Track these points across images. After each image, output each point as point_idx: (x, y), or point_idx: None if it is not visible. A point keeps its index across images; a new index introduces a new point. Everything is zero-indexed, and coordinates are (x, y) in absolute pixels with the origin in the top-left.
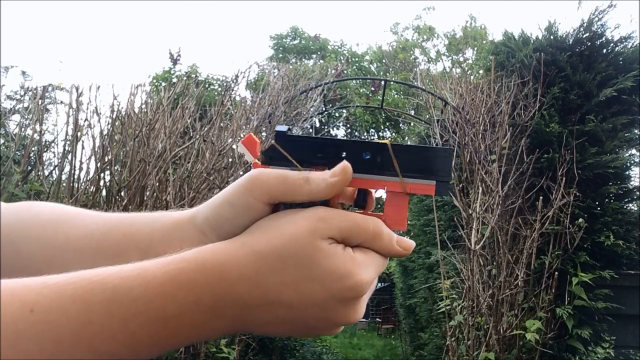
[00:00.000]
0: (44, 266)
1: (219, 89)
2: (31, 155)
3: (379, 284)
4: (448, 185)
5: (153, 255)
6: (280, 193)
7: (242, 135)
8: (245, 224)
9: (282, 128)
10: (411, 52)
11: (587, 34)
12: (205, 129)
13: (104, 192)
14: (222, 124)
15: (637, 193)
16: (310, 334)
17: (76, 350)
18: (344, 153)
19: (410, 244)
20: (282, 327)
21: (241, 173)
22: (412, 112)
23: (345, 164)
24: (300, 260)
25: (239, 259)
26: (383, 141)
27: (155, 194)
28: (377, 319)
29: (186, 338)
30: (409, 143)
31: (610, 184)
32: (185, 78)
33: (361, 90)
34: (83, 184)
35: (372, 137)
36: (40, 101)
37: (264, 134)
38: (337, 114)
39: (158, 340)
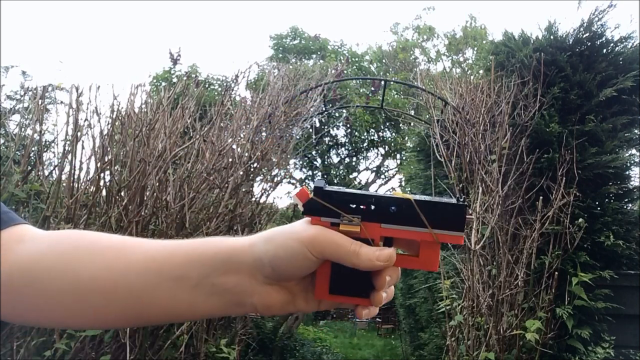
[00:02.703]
0: (109, 288)
1: (219, 89)
2: (31, 155)
3: None
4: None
5: (214, 279)
6: (331, 256)
7: (241, 136)
8: (300, 266)
9: (320, 183)
10: (411, 52)
11: (587, 34)
12: (205, 129)
13: (104, 192)
14: (222, 124)
15: (637, 193)
16: None
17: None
18: (373, 206)
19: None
20: None
21: (241, 173)
22: (412, 112)
23: (392, 253)
24: None
25: None
26: (407, 196)
27: (155, 194)
28: (377, 319)
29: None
30: (425, 198)
31: (610, 184)
32: (185, 78)
33: (361, 90)
34: (83, 184)
35: (372, 137)
36: (40, 101)
37: (263, 134)
38: (337, 114)
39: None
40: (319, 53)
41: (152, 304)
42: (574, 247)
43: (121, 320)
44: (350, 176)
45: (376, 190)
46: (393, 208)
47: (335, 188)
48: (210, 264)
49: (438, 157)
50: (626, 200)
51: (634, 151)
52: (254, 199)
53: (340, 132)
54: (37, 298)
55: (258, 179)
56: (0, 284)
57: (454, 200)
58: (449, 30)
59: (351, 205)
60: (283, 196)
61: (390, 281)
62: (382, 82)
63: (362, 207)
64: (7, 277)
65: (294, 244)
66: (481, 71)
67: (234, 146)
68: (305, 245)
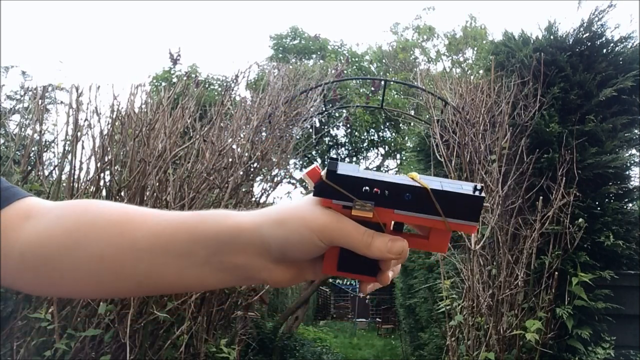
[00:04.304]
0: (117, 266)
1: (219, 89)
2: (31, 155)
3: None
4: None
5: (221, 257)
6: (342, 244)
7: (241, 136)
8: (309, 251)
9: (333, 166)
10: (411, 52)
11: (587, 34)
12: (205, 129)
13: (104, 192)
14: (222, 124)
15: (637, 193)
16: None
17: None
18: (387, 192)
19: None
20: None
21: (241, 173)
22: (412, 112)
23: (404, 246)
24: None
25: None
26: (423, 184)
27: (155, 194)
28: (377, 319)
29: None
30: (443, 183)
31: (610, 184)
32: (185, 78)
33: (361, 90)
34: (83, 184)
35: (372, 137)
36: (40, 101)
37: (263, 134)
38: (337, 114)
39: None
40: (319, 53)
41: (161, 279)
42: (574, 247)
43: (135, 291)
44: None
45: (389, 172)
46: (408, 195)
47: (348, 171)
48: (214, 244)
49: (438, 157)
50: (626, 200)
51: (634, 151)
52: (254, 199)
53: (340, 132)
54: (53, 273)
55: (258, 179)
56: (13, 262)
57: (470, 189)
58: (449, 30)
59: (364, 189)
60: (283, 196)
61: (396, 262)
62: (382, 82)
63: (375, 190)
64: (20, 256)
65: (305, 232)
66: (481, 71)
67: (234, 146)
68: (316, 234)
